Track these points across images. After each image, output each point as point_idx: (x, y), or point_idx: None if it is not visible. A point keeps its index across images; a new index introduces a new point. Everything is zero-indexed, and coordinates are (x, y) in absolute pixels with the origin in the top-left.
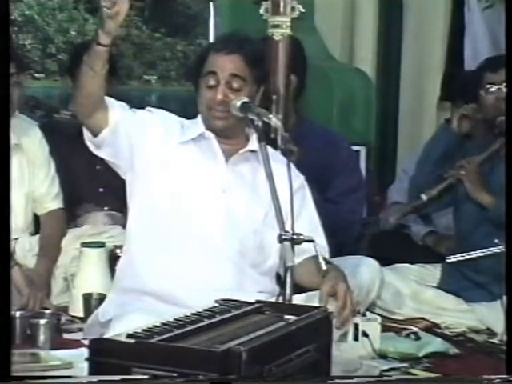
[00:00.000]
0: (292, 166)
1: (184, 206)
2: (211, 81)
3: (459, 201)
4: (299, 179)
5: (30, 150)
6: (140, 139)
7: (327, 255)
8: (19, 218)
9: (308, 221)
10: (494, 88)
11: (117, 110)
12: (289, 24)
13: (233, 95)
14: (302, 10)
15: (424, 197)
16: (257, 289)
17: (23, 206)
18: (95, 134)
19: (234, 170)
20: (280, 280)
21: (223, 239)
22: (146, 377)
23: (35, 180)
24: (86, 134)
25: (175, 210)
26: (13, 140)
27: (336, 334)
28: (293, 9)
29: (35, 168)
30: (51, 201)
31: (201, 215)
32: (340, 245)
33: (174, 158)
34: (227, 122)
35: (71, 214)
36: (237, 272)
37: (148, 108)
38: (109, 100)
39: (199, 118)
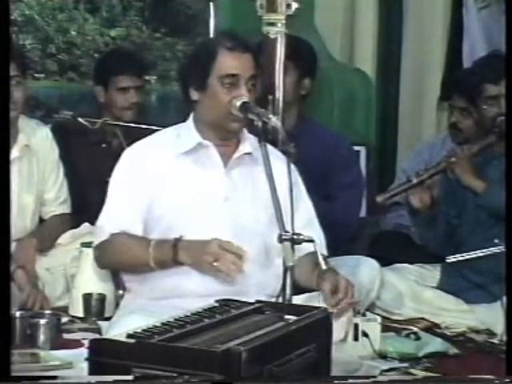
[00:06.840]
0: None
1: (187, 218)
2: (231, 82)
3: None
4: (293, 173)
5: (40, 152)
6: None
7: (324, 246)
8: (28, 219)
9: (304, 211)
10: (494, 101)
11: None
12: (284, 22)
13: (251, 95)
14: (297, 6)
15: (414, 179)
16: (265, 292)
17: (32, 207)
18: None
19: (233, 176)
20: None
21: None
22: (145, 377)
23: (45, 183)
24: None
25: (179, 223)
26: (22, 141)
27: (336, 334)
28: (288, 6)
29: (46, 171)
30: (59, 205)
31: (205, 225)
32: (337, 240)
33: (173, 172)
34: (244, 124)
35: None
36: (245, 277)
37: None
38: None
39: (191, 125)
